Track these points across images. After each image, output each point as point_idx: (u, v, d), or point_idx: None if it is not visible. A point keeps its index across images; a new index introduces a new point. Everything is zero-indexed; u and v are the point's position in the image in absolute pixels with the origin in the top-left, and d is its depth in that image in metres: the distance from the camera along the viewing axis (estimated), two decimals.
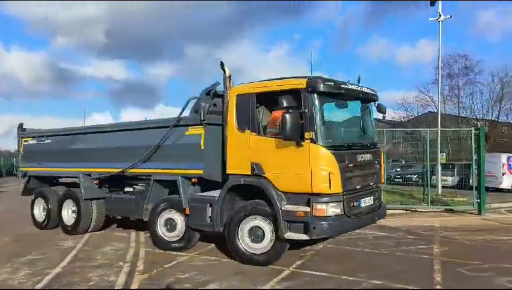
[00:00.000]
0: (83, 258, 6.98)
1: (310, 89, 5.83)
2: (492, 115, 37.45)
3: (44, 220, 9.58)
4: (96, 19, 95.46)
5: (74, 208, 8.96)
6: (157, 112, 78.67)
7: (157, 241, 7.54)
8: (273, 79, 6.48)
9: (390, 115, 35.80)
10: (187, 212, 7.01)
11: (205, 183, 7.18)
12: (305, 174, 5.75)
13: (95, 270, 6.16)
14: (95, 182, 8.70)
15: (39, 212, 9.77)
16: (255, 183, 6.28)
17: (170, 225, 7.39)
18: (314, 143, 5.76)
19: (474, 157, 12.19)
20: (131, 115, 77.89)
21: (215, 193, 6.87)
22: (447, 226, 9.88)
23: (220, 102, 6.82)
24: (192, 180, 7.24)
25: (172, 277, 5.83)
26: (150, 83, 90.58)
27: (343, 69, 68.98)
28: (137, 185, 8.70)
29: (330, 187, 5.73)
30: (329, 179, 5.70)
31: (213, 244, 7.80)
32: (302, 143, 5.78)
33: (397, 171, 23.45)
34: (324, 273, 5.88)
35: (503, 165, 20.15)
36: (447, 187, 17.58)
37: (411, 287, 5.25)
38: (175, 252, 7.20)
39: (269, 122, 6.49)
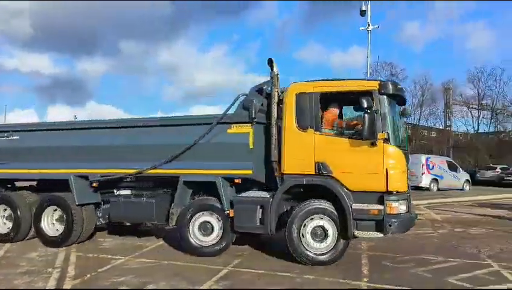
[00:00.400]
0: (7, 265, 6.49)
1: (382, 91, 6.08)
2: (414, 119, 40.78)
3: (10, 232, 7.99)
4: (20, 9, 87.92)
5: (58, 216, 7.81)
6: (88, 110, 74.31)
7: (188, 247, 6.98)
8: (332, 79, 6.59)
9: None
10: (231, 215, 6.66)
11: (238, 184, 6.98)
12: (379, 173, 5.92)
13: (21, 278, 5.76)
14: (94, 184, 7.67)
15: (1, 223, 8.24)
16: (322, 183, 6.23)
17: (206, 228, 6.93)
18: (387, 143, 5.99)
19: None
20: (60, 112, 72.70)
21: (259, 194, 6.81)
22: None
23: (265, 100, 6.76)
24: (236, 181, 6.86)
25: (107, 280, 5.65)
26: (81, 79, 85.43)
27: (279, 69, 70.51)
28: (137, 187, 7.84)
29: (402, 186, 6.08)
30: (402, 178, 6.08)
31: (152, 246, 7.69)
32: (377, 143, 5.94)
33: None
34: (261, 271, 6.05)
35: (422, 165, 22.08)
36: None
37: (341, 280, 5.61)
38: (109, 256, 6.97)
39: (325, 121, 6.53)
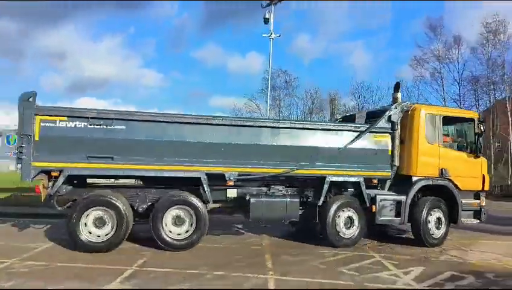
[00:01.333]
0: None
1: (481, 119, 8.83)
2: None
3: (109, 240, 6.93)
4: None
5: (172, 217, 7.29)
6: None
7: (334, 241, 7.89)
8: (448, 107, 10.58)
9: None
10: (373, 210, 8.00)
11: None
12: (479, 177, 8.69)
13: None
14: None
15: (91, 229, 6.92)
16: (444, 183, 8.45)
17: (348, 222, 7.97)
18: (482, 156, 8.85)
19: None
20: None
21: (386, 192, 8.43)
22: None
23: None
24: (374, 181, 8.18)
25: None
26: None
27: (178, 68, 69.10)
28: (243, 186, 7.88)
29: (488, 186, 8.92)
30: None
31: (41, 247, 7.03)
32: (479, 156, 8.67)
33: None
34: (168, 269, 5.97)
35: None
36: None
37: (248, 275, 5.82)
38: None
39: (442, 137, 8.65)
